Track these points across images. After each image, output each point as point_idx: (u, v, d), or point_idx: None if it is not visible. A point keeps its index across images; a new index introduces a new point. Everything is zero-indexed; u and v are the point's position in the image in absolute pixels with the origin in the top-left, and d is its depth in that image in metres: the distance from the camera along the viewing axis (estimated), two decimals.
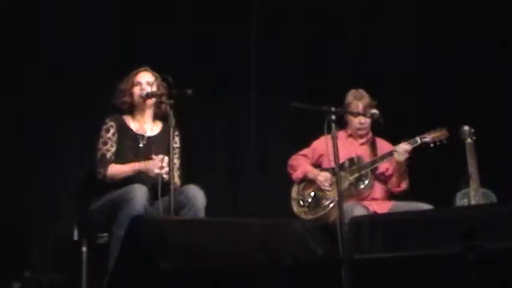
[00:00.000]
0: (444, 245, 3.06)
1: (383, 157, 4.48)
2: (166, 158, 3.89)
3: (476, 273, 2.94)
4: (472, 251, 2.96)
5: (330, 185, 4.46)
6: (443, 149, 4.45)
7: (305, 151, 4.69)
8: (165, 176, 3.87)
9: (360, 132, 4.61)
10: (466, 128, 4.61)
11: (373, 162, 4.50)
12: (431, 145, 4.40)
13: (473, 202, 4.50)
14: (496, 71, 5.28)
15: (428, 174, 4.67)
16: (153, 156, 3.96)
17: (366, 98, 4.53)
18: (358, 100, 4.53)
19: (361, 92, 4.58)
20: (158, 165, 3.90)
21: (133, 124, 4.14)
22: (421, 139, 4.38)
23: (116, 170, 3.98)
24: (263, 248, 3.01)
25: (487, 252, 2.97)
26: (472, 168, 4.54)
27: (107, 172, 3.97)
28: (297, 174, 4.63)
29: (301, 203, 4.57)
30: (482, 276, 2.95)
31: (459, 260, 2.98)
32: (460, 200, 4.59)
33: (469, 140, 4.59)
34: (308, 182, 4.60)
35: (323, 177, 4.50)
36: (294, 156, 4.70)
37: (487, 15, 5.33)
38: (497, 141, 5.05)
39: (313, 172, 4.58)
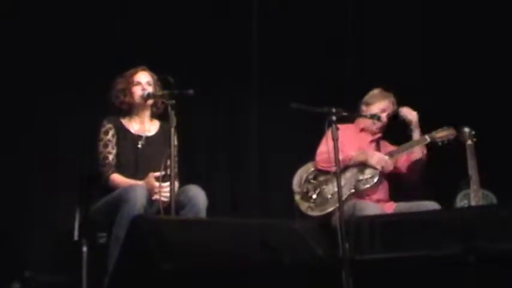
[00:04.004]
0: (444, 246, 3.07)
1: (413, 143, 4.42)
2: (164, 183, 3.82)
3: (475, 274, 2.95)
4: (471, 252, 2.97)
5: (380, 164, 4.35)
6: (443, 151, 4.46)
7: (328, 145, 4.14)
8: (165, 200, 3.81)
9: (375, 127, 4.54)
10: (467, 129, 4.60)
11: (405, 148, 4.44)
12: (439, 143, 4.42)
13: (473, 203, 4.50)
14: (496, 72, 5.28)
15: (428, 175, 4.66)
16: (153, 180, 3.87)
17: (391, 96, 4.56)
18: (385, 97, 4.53)
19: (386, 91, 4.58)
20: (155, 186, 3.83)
21: (131, 125, 4.13)
22: (429, 137, 4.42)
23: (118, 181, 3.96)
24: (263, 248, 3.01)
25: (486, 254, 2.98)
26: (472, 170, 4.54)
27: (109, 180, 3.97)
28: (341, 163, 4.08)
29: (306, 197, 4.42)
30: (481, 277, 2.96)
31: (458, 261, 2.99)
32: (461, 202, 4.59)
33: (469, 142, 4.58)
34: (313, 176, 4.46)
35: (378, 158, 4.37)
36: (322, 157, 4.36)
37: (487, 16, 5.34)
38: (497, 142, 5.04)
39: (358, 156, 4.39)
